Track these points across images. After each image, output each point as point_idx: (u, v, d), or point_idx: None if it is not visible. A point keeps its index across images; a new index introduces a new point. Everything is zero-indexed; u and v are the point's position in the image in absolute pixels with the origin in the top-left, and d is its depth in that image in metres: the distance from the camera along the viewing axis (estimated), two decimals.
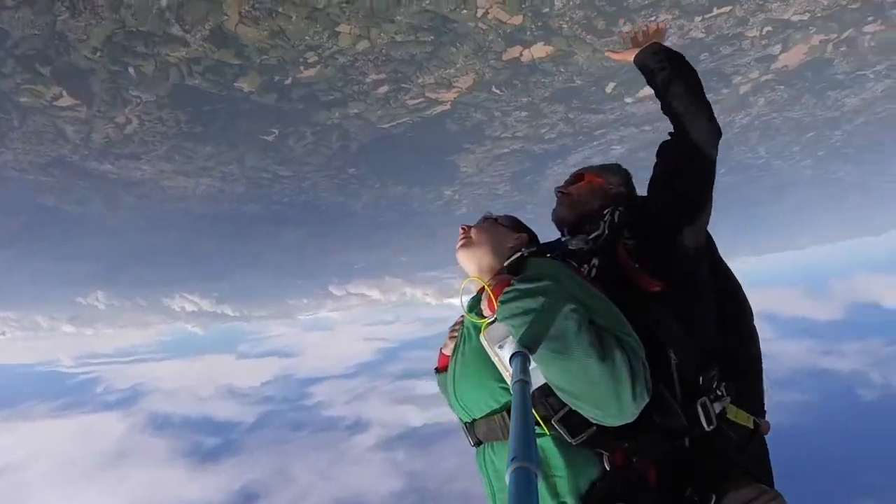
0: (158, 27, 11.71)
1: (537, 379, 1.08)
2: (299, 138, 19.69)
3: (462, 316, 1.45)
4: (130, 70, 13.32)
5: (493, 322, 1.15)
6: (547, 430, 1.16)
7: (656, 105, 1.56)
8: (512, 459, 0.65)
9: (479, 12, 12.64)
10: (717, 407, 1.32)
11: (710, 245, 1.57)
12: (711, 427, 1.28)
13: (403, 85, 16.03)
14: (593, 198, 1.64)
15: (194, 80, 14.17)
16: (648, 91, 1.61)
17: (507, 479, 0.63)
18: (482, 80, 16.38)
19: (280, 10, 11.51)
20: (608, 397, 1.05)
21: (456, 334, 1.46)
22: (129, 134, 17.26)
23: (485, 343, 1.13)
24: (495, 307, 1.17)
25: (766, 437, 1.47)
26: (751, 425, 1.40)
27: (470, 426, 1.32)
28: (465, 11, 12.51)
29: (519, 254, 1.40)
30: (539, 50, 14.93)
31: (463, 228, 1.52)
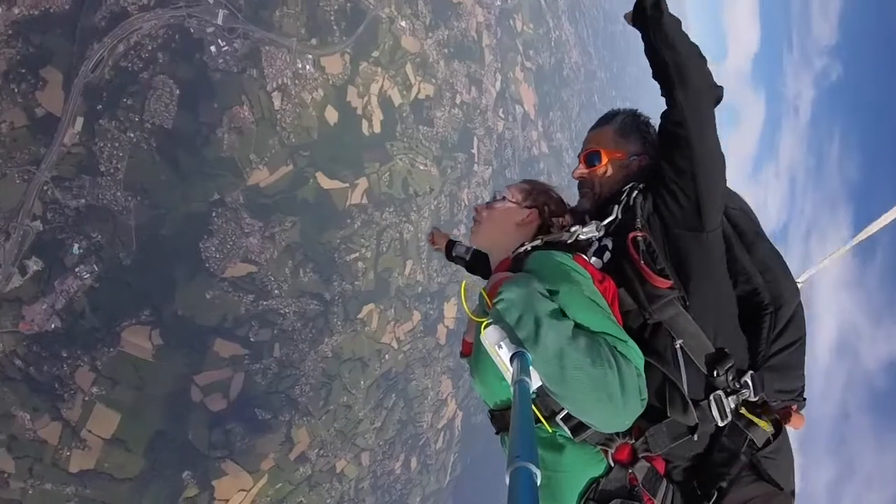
0: None
1: (538, 378, 1.06)
2: None
3: None
4: None
5: (490, 323, 1.14)
6: (550, 428, 1.16)
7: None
8: (512, 459, 0.64)
9: None
10: (733, 401, 1.25)
11: (737, 230, 1.46)
12: (725, 422, 1.22)
13: None
14: (615, 178, 1.51)
15: None
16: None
17: (506, 479, 0.62)
18: None
19: None
20: (598, 404, 1.02)
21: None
22: None
23: (485, 342, 1.12)
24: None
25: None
26: (770, 428, 1.30)
27: (492, 414, 1.34)
28: None
29: (523, 249, 1.38)
30: None
31: (476, 209, 1.54)
